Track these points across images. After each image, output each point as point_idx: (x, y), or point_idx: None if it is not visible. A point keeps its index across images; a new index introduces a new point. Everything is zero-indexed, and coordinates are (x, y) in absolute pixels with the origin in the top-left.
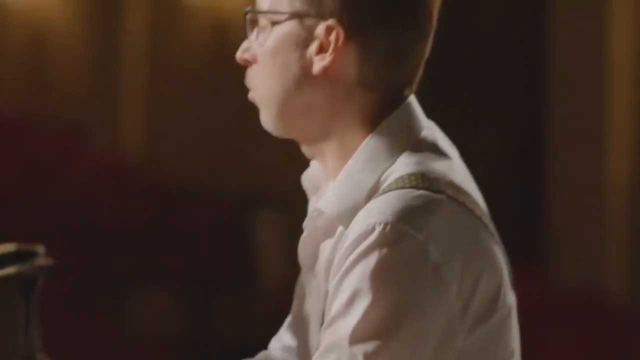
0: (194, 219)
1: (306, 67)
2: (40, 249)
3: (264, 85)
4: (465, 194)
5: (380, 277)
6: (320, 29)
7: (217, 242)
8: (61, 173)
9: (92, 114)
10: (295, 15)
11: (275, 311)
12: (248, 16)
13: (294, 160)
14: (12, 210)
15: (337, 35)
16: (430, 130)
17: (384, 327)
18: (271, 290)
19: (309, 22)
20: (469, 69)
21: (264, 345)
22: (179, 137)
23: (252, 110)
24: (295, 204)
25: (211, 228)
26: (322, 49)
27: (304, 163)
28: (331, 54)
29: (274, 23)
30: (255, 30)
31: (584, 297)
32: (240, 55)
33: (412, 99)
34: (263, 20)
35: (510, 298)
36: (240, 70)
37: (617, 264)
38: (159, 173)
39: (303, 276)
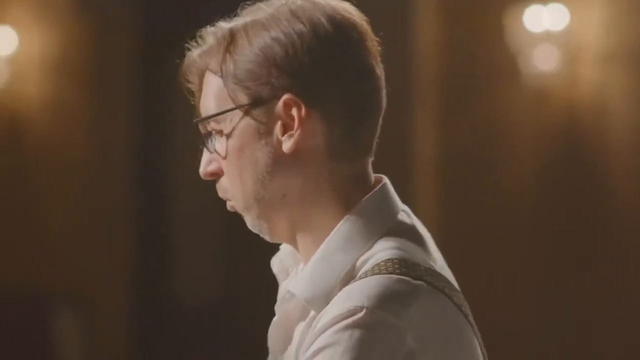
0: None
1: (275, 153)
2: None
3: (239, 190)
4: (444, 280)
5: (349, 359)
6: (279, 107)
7: (12, 340)
8: None
9: None
10: (246, 106)
11: None
12: (199, 127)
13: (91, 257)
14: None
15: (298, 108)
16: (407, 214)
17: None
18: None
19: (262, 107)
20: None
21: None
22: None
23: (51, 204)
24: (95, 305)
25: (6, 329)
26: (286, 128)
27: (107, 262)
28: (298, 127)
29: (226, 124)
30: (210, 140)
31: None
32: (204, 170)
33: (387, 180)
34: (214, 126)
35: None
36: (36, 164)
37: None
38: None
39: None
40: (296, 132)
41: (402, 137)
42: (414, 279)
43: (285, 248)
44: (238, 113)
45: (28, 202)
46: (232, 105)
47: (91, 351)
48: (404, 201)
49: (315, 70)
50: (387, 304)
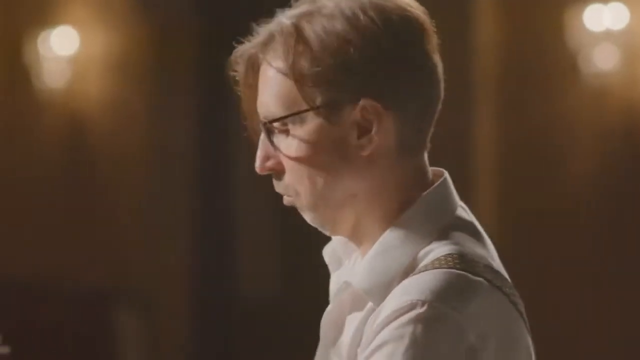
0: (48, 315)
1: (349, 156)
2: None
3: (306, 189)
4: (503, 279)
5: (413, 355)
6: (356, 111)
7: (76, 341)
8: None
9: None
10: (320, 109)
11: None
12: (266, 126)
13: (153, 259)
14: None
15: (376, 112)
16: (465, 210)
17: None
18: None
19: (337, 110)
20: None
21: None
22: (34, 233)
23: (113, 207)
24: (158, 305)
25: (68, 326)
26: (361, 131)
27: (169, 264)
28: (377, 132)
29: (294, 124)
30: (273, 137)
31: None
32: (261, 165)
33: (447, 175)
34: (279, 124)
35: None
36: (97, 164)
37: None
38: (10, 271)
39: (320, 352)
40: (375, 137)
41: (462, 135)
42: (474, 275)
43: (338, 237)
44: (311, 115)
45: (88, 201)
46: (304, 107)
47: (151, 350)
48: (463, 198)
49: (390, 72)
50: (447, 298)
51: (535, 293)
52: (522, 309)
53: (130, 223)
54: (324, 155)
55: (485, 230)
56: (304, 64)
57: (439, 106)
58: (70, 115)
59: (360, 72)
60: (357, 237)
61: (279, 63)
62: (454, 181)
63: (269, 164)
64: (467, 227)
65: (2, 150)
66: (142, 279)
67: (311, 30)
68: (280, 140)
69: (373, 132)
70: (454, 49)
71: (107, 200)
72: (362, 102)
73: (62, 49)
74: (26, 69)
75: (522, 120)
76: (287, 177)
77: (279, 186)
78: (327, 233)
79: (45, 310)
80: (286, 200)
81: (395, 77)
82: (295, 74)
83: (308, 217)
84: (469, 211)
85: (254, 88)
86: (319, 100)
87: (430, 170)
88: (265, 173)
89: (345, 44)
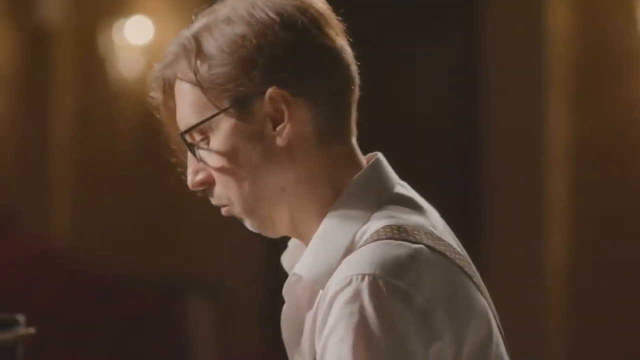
0: (123, 305)
1: (268, 149)
2: (21, 317)
3: (235, 194)
4: (445, 244)
5: (364, 333)
6: (265, 103)
7: (147, 329)
8: None
9: (20, 200)
10: (229, 109)
11: None
12: (184, 140)
13: (224, 246)
14: None
15: (285, 99)
16: (404, 187)
17: None
18: None
19: (246, 107)
20: (406, 143)
21: None
22: (110, 223)
23: (182, 196)
24: (230, 292)
25: (141, 315)
26: (275, 122)
27: (240, 251)
28: (289, 120)
29: (212, 131)
30: (194, 150)
31: None
32: (192, 181)
33: (381, 156)
34: (198, 136)
35: (502, 349)
36: (171, 153)
37: (555, 347)
38: (88, 259)
39: (289, 357)
40: (287, 125)
41: (534, 124)
42: (413, 242)
43: (293, 243)
44: (222, 117)
45: (161, 190)
46: (214, 111)
47: (224, 336)
48: (535, 189)
49: (291, 60)
50: (387, 267)
51: (608, 281)
52: (472, 273)
53: (206, 213)
54: (244, 155)
55: (557, 221)
56: (206, 69)
57: (355, 90)
58: (145, 104)
59: (261, 65)
60: (299, 232)
61: (187, 75)
62: (526, 171)
63: (199, 177)
64: (405, 201)
65: (78, 139)
66: (214, 266)
67: (210, 37)
68: (203, 151)
69: (286, 120)
70: (527, 37)
71: (180, 188)
72: (269, 92)
73: (136, 38)
74: (101, 58)
75: (595, 109)
76: (217, 187)
77: (214, 199)
78: (270, 235)
79: (119, 299)
80: (224, 211)
81: (297, 64)
82: (199, 81)
83: (247, 223)
84: (409, 188)
85: (173, 110)
86: (227, 102)
87: (364, 156)
88: (198, 189)
89: (242, 40)
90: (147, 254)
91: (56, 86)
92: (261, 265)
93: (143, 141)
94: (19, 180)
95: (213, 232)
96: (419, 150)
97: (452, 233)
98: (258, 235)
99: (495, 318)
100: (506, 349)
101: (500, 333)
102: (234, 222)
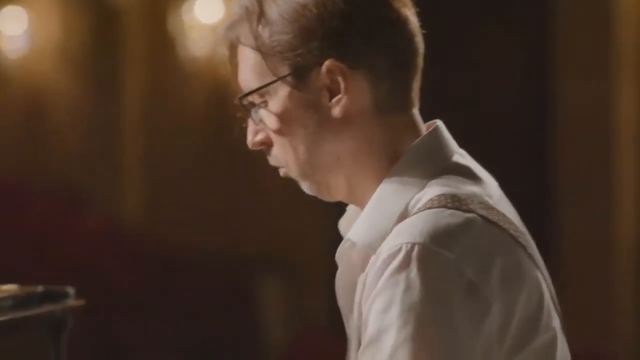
0: (197, 284)
1: (324, 119)
2: (70, 290)
3: (291, 158)
4: (499, 213)
5: (410, 300)
6: (322, 74)
7: (219, 306)
8: (61, 239)
9: (92, 179)
10: (287, 77)
11: None
12: (243, 102)
13: (297, 224)
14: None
15: (342, 72)
16: (463, 157)
17: (421, 354)
18: (277, 357)
19: (304, 76)
20: (474, 122)
21: None
22: (180, 202)
23: (254, 174)
24: (299, 269)
25: (215, 294)
26: (332, 93)
27: (309, 228)
28: (345, 92)
29: (270, 95)
30: (254, 112)
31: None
32: (251, 140)
33: (440, 124)
34: (257, 99)
35: (556, 322)
36: (242, 130)
37: (624, 327)
38: (160, 238)
39: (345, 324)
40: (343, 97)
41: (602, 102)
42: (465, 211)
43: (351, 208)
44: (280, 84)
45: (233, 170)
46: (272, 78)
47: (294, 312)
48: (605, 171)
49: (351, 30)
50: (437, 236)
51: None
52: (527, 243)
53: (274, 190)
54: (300, 122)
55: (628, 202)
56: (267, 36)
57: (419, 61)
58: (214, 83)
59: (320, 36)
60: (355, 198)
61: (248, 39)
62: (594, 152)
63: (258, 138)
64: (461, 170)
65: (148, 118)
66: (285, 243)
67: (272, 3)
68: (262, 113)
69: (342, 92)
70: (596, 17)
71: (251, 168)
72: (326, 65)
73: (206, 17)
74: (171, 37)
75: None
76: (275, 149)
77: (271, 160)
78: (327, 199)
79: (191, 277)
80: (281, 172)
81: (355, 36)
82: (260, 47)
83: (304, 186)
84: (468, 157)
85: (237, 68)
86: (285, 70)
87: (425, 125)
88: (256, 148)
89: (302, 9)
90: (219, 232)
91: (127, 65)
92: (331, 243)
93: (214, 119)
94: (90, 159)
95: (284, 210)
96: (485, 134)
97: (509, 203)
98: (328, 213)
99: (550, 291)
100: (562, 325)
101: (556, 308)
102: (305, 200)
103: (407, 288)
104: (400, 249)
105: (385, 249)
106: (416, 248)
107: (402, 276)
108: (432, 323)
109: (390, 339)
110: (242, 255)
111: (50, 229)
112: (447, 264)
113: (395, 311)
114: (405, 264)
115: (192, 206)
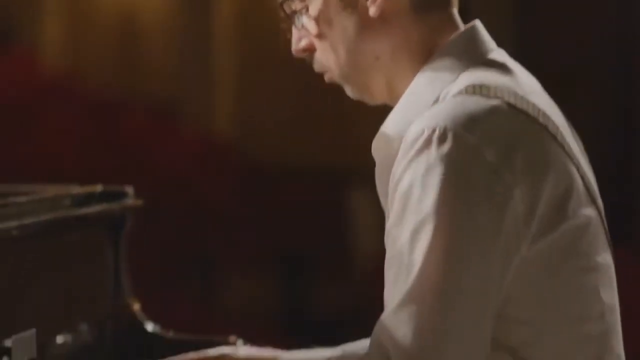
0: (288, 196)
1: (362, 20)
2: (129, 189)
3: (332, 61)
4: (528, 102)
5: (428, 181)
6: None
7: (311, 219)
8: (153, 151)
9: (184, 91)
10: None
11: (370, 289)
12: (284, 8)
13: None
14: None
15: None
16: (500, 54)
17: (439, 234)
18: (366, 268)
19: None
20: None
21: (358, 324)
22: (271, 114)
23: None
24: None
25: (306, 206)
26: None
27: None
28: None
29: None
30: (297, 19)
31: None
32: (295, 48)
33: (478, 23)
34: (298, 4)
35: (589, 211)
36: None
37: None
38: (251, 151)
39: (385, 215)
40: None
41: None
42: (492, 98)
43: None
44: None
45: (326, 85)
46: None
47: (381, 227)
48: None
49: None
50: (461, 121)
51: None
52: (555, 131)
53: (360, 106)
54: (339, 23)
55: None
56: None
57: None
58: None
59: None
60: (396, 99)
61: None
62: None
63: (302, 44)
64: (495, 65)
65: (240, 31)
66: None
67: None
68: (304, 19)
69: None
70: None
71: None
72: None
73: None
74: None
75: None
76: (318, 54)
77: (316, 65)
78: (369, 102)
79: (282, 190)
80: (326, 78)
81: None
82: None
83: (347, 90)
84: (505, 55)
85: None
86: None
87: (463, 25)
88: (301, 55)
89: None
90: (308, 145)
91: None
92: None
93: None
94: (182, 72)
95: (373, 124)
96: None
97: (552, 103)
98: None
99: (586, 182)
100: (603, 222)
101: (592, 199)
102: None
103: (428, 169)
104: (422, 132)
105: (410, 134)
106: (437, 130)
107: (423, 157)
108: (451, 202)
109: (411, 220)
110: (333, 167)
111: (145, 142)
112: (467, 146)
113: (416, 192)
114: (426, 146)
115: (284, 120)
